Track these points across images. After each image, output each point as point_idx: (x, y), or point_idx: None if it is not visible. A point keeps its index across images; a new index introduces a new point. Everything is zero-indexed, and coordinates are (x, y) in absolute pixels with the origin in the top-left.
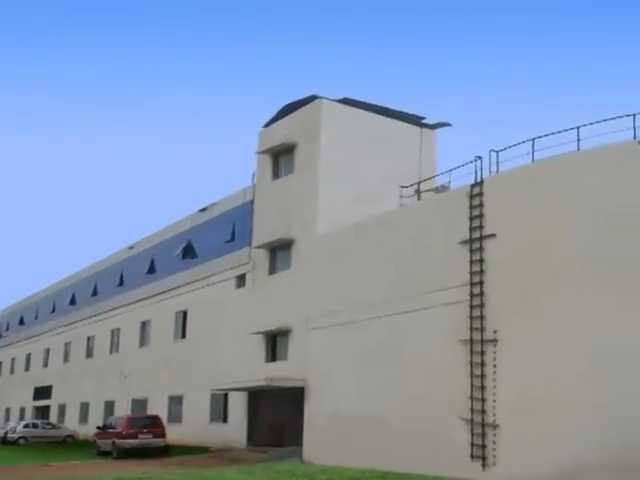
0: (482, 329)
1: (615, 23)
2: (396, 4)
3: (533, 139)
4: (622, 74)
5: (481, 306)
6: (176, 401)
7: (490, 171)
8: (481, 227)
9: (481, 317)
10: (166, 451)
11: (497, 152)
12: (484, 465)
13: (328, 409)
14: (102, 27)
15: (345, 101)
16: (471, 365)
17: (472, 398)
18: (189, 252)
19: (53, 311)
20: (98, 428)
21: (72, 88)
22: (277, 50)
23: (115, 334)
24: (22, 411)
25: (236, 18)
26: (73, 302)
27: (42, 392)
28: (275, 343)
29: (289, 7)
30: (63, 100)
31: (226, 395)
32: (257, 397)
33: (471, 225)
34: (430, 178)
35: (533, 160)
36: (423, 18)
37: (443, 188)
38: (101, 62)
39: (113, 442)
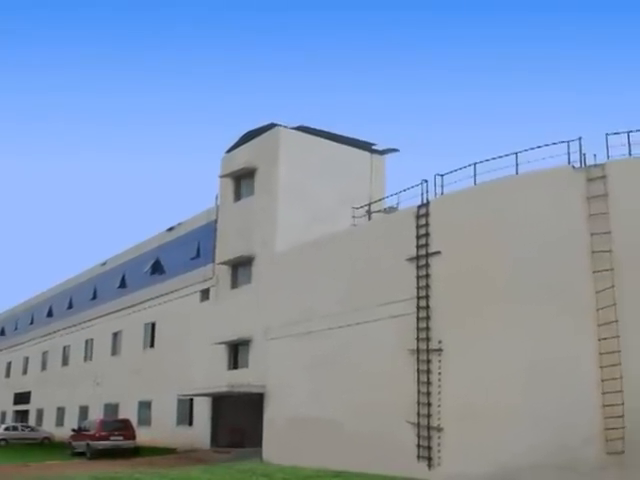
0: (428, 340)
1: (554, 53)
2: (348, 39)
3: (475, 164)
4: (558, 104)
5: (427, 318)
6: (145, 406)
7: (435, 193)
8: (427, 245)
9: (427, 328)
10: (136, 452)
11: (442, 176)
12: (430, 465)
13: (286, 413)
14: (65, 54)
15: (301, 129)
16: (418, 373)
17: (419, 403)
18: (157, 268)
19: (32, 322)
20: (73, 431)
21: (52, 113)
22: (237, 81)
23: (89, 344)
24: (3, 415)
25: (198, 53)
26: (50, 314)
27: (22, 397)
28: (237, 352)
29: (251, 42)
30: (40, 125)
31: (191, 400)
32: (220, 402)
33: (418, 243)
34: (380, 200)
35: (475, 183)
36: (373, 52)
37: (392, 209)
38: (74, 90)
39: (87, 444)
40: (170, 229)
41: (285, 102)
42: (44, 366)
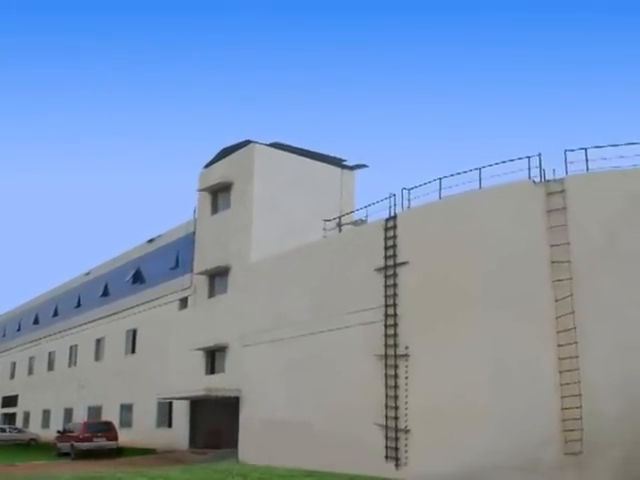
0: (395, 345)
1: (517, 74)
2: (320, 58)
3: (440, 178)
4: (520, 121)
5: (394, 325)
6: (127, 409)
7: (403, 207)
8: (395, 256)
9: (394, 335)
10: (118, 452)
11: (409, 190)
12: (397, 465)
13: (260, 415)
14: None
15: (275, 145)
16: (386, 377)
17: (386, 406)
18: (138, 278)
19: (19, 329)
20: (58, 432)
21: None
22: (214, 100)
23: (73, 350)
24: None
25: (176, 75)
26: (36, 322)
27: (9, 401)
28: (214, 358)
29: (229, 62)
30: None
31: (171, 403)
32: (198, 405)
33: (386, 254)
34: (350, 213)
35: (440, 197)
36: (342, 71)
37: (361, 222)
38: (57, 107)
39: (71, 445)
40: (150, 240)
41: (260, 119)
42: (31, 371)
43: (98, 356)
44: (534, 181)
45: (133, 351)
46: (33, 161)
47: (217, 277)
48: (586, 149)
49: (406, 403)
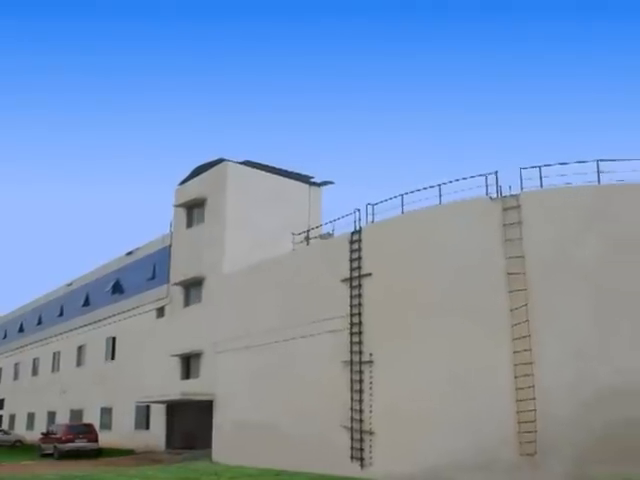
0: (360, 352)
1: (476, 97)
2: (290, 82)
3: (402, 195)
4: (477, 140)
5: (359, 333)
6: (107, 412)
7: (367, 221)
8: (359, 268)
9: (359, 342)
10: (98, 453)
11: (373, 205)
12: (362, 465)
13: (233, 418)
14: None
15: (247, 163)
16: (351, 382)
17: (352, 409)
18: (118, 288)
19: (5, 337)
20: (42, 434)
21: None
22: (188, 120)
23: (56, 356)
24: None
25: (153, 95)
26: (22, 330)
27: None
28: (189, 364)
29: (205, 83)
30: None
31: (148, 407)
32: (174, 408)
33: (351, 266)
34: (317, 227)
35: (403, 212)
36: (307, 95)
37: (328, 235)
38: (45, 124)
39: (55, 446)
40: (129, 253)
41: (232, 139)
42: (16, 376)
43: (80, 362)
44: (491, 197)
45: (113, 357)
46: (15, 176)
47: (192, 287)
48: (540, 167)
49: (370, 406)
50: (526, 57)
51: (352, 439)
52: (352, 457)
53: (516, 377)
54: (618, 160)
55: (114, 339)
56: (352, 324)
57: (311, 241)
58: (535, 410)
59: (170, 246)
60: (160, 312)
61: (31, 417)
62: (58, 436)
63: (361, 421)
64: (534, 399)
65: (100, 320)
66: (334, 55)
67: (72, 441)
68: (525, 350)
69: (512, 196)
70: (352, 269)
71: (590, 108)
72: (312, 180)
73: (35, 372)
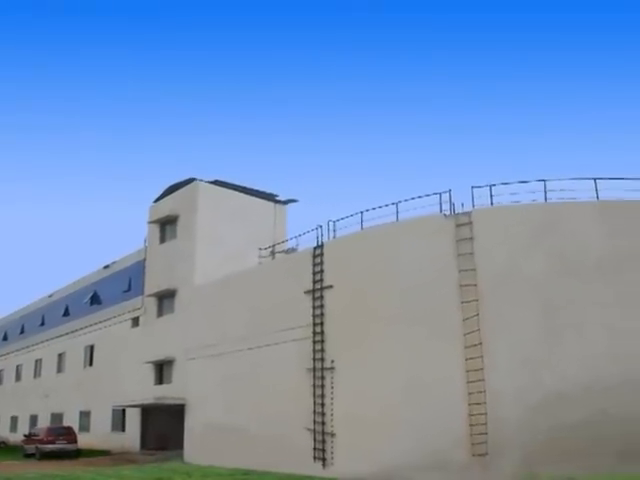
0: (322, 360)
1: (429, 118)
2: (257, 109)
3: (362, 212)
4: (433, 160)
5: (322, 342)
6: (85, 415)
7: (329, 237)
8: (322, 280)
9: (322, 350)
10: (77, 454)
11: (334, 222)
12: (324, 465)
13: (203, 421)
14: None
15: (216, 182)
16: (314, 387)
17: (315, 413)
18: (96, 299)
19: None
20: (25, 436)
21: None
22: (161, 141)
23: (38, 363)
24: None
25: (133, 120)
26: (5, 338)
27: None
28: (162, 370)
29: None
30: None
31: (124, 410)
32: (148, 412)
33: (314, 279)
34: (282, 242)
35: (362, 228)
36: (277, 119)
37: (292, 250)
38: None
39: (36, 447)
40: (106, 267)
41: (202, 158)
42: (0, 382)
43: (60, 369)
44: (445, 214)
45: (91, 364)
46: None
47: (165, 299)
48: (491, 186)
49: (332, 410)
50: (487, 76)
51: (315, 440)
52: (315, 457)
53: (468, 382)
54: (564, 179)
55: (92, 347)
56: (315, 333)
57: (276, 255)
58: (486, 414)
59: (145, 260)
60: (135, 322)
61: (14, 420)
62: (40, 438)
63: (323, 424)
64: (485, 403)
65: (79, 329)
66: (297, 75)
67: (53, 442)
68: (477, 357)
69: (464, 213)
70: (315, 282)
71: (537, 130)
72: (277, 198)
73: (18, 378)
